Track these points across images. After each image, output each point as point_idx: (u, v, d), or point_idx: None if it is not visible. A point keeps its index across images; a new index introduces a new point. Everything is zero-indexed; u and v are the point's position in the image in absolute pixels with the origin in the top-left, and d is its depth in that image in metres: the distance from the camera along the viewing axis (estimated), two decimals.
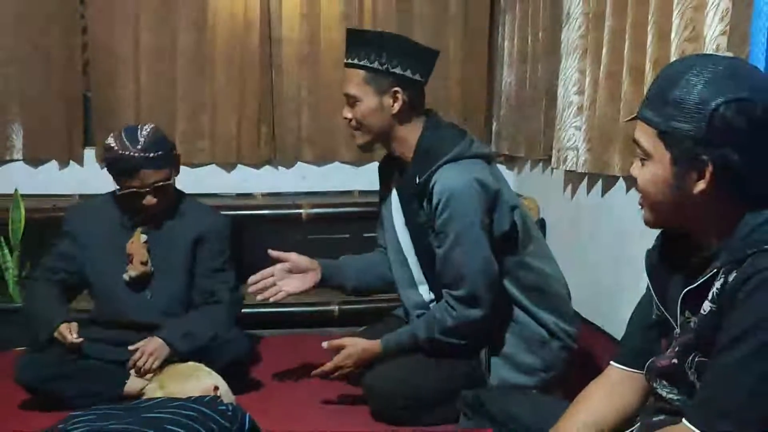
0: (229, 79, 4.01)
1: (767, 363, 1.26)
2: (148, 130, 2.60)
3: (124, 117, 3.94)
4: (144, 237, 2.65)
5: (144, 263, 2.63)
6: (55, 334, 2.46)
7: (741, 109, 1.29)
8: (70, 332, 2.44)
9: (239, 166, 4.10)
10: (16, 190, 3.29)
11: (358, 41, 2.39)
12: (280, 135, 4.10)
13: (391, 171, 2.57)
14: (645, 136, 1.39)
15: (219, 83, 4.00)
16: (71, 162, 4.02)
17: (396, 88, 2.35)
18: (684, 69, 1.35)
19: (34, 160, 3.98)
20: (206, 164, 4.02)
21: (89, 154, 4.03)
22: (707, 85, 1.31)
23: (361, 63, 2.35)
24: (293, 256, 2.56)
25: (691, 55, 1.69)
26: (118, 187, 2.63)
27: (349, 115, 2.41)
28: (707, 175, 1.33)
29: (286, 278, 2.54)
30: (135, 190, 2.57)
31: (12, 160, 3.96)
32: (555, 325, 2.40)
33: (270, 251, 2.56)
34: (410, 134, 2.39)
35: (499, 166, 4.29)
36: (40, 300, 2.60)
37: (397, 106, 2.36)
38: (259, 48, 3.99)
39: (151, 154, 2.56)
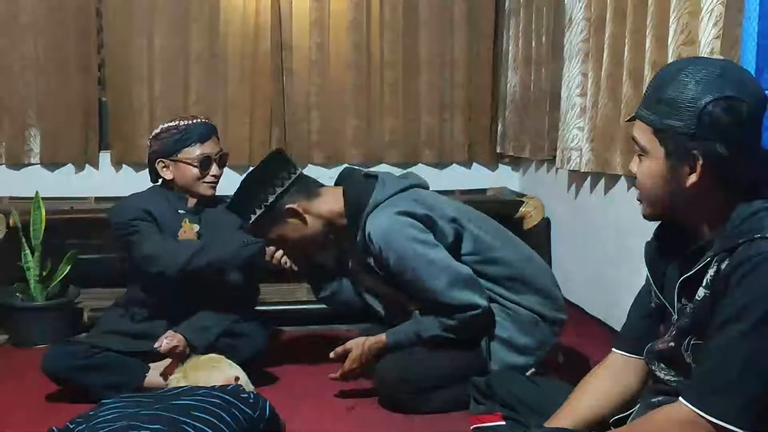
0: (241, 84, 4.11)
1: (757, 342, 1.35)
2: None
3: (139, 121, 4.06)
4: (196, 227, 2.75)
5: None
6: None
7: (728, 106, 1.39)
8: None
9: (251, 168, 4.19)
10: (36, 192, 3.36)
11: None
12: (291, 138, 4.20)
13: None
14: (642, 133, 1.49)
15: (231, 88, 4.11)
16: (87, 165, 4.12)
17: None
18: (677, 70, 1.45)
19: (52, 163, 4.08)
20: None
21: (105, 157, 4.14)
22: (697, 84, 1.41)
23: None
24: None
25: (684, 58, 1.79)
26: (164, 177, 2.76)
27: None
28: (698, 168, 1.43)
29: None
30: (207, 154, 2.74)
31: (30, 164, 4.06)
32: (540, 306, 2.49)
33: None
34: (335, 204, 2.52)
35: (504, 166, 4.44)
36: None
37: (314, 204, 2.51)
38: (270, 54, 4.10)
39: (213, 123, 2.86)
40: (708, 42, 2.19)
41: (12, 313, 3.33)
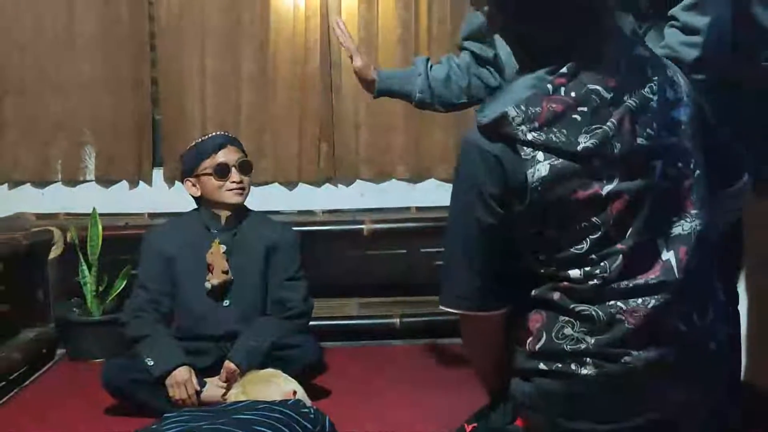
0: (291, 101, 4.15)
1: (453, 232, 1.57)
2: None
3: (191, 138, 4.01)
4: (223, 247, 2.81)
5: (225, 272, 2.78)
6: (171, 381, 2.58)
7: None
8: (189, 382, 2.59)
9: (300, 184, 4.23)
10: (94, 209, 3.44)
11: None
12: (340, 154, 4.22)
13: None
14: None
15: (281, 105, 4.15)
16: (141, 182, 4.19)
17: None
18: None
19: (106, 180, 4.15)
20: (269, 183, 4.16)
21: (158, 174, 4.20)
22: None
23: None
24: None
25: None
26: (193, 195, 2.89)
27: None
28: None
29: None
30: (223, 162, 2.82)
31: (85, 181, 4.14)
32: None
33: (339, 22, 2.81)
34: None
35: None
36: (152, 335, 2.69)
37: None
38: (319, 71, 4.12)
39: (231, 135, 3.02)
40: None
41: (70, 328, 3.41)
